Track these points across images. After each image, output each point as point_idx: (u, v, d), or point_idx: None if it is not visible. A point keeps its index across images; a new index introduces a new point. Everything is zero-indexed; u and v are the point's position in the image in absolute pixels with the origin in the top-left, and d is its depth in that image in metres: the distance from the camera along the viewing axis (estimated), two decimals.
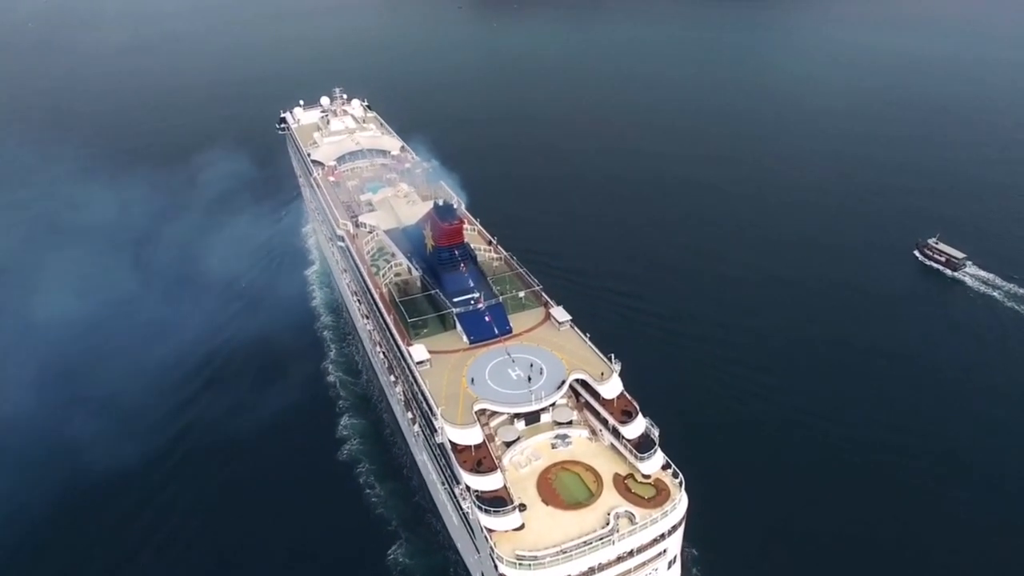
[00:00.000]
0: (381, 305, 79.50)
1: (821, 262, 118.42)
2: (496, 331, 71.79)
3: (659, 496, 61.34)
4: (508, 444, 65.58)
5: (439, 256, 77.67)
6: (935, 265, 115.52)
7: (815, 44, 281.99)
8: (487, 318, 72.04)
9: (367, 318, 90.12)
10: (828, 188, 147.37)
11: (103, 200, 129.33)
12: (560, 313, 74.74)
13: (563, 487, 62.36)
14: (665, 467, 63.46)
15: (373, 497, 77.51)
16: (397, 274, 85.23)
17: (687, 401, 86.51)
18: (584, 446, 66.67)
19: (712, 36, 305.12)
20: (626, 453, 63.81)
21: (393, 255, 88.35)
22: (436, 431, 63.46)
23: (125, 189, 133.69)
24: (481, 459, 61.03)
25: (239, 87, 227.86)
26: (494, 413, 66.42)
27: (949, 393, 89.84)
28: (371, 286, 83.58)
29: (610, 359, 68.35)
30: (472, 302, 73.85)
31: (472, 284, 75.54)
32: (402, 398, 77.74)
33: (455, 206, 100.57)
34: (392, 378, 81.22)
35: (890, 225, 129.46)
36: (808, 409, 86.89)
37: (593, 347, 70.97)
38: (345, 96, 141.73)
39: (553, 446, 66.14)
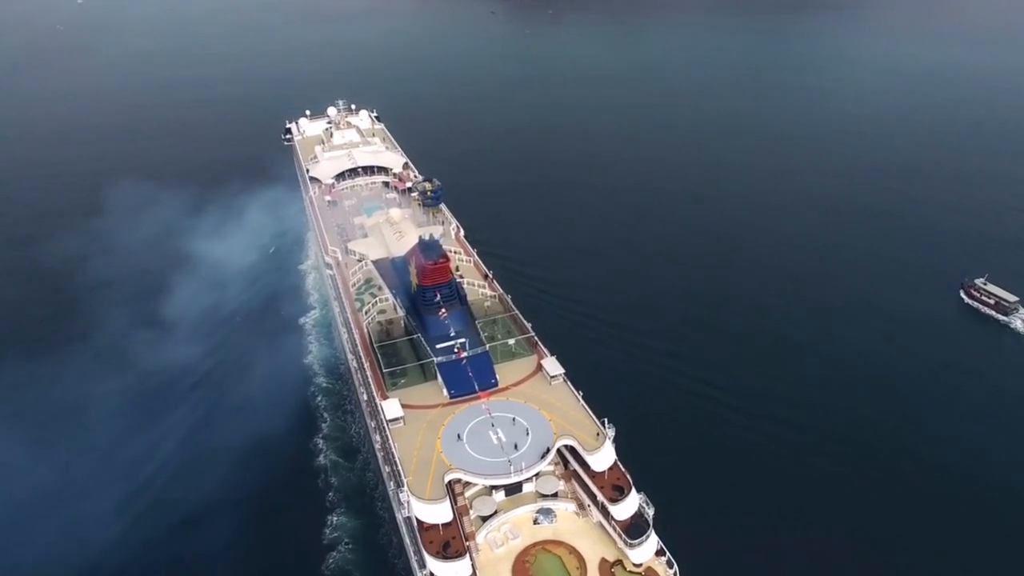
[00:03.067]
0: (360, 348, 72.92)
1: (855, 302, 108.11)
2: (477, 387, 64.65)
3: None
4: (484, 518, 58.41)
5: (423, 296, 70.65)
6: (983, 308, 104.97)
7: (861, 57, 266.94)
8: (469, 372, 64.86)
9: (352, 355, 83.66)
10: (865, 217, 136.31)
11: None
12: (553, 365, 67.31)
13: (542, 573, 54.98)
14: (659, 553, 55.92)
15: None
16: (381, 311, 78.39)
17: (691, 468, 76.31)
18: (570, 522, 59.35)
19: (753, 46, 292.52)
20: (615, 536, 56.21)
21: (380, 289, 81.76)
22: (402, 504, 56.52)
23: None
24: (450, 540, 54.04)
25: (260, 92, 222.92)
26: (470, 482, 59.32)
27: (999, 453, 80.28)
28: (352, 324, 77.07)
29: (604, 423, 60.81)
30: (455, 350, 66.86)
31: (456, 331, 68.38)
32: (381, 451, 71.03)
33: (453, 233, 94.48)
34: (373, 424, 74.62)
35: (933, 261, 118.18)
36: (834, 472, 77.26)
37: (586, 407, 63.53)
38: (353, 107, 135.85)
39: (535, 521, 59.01)
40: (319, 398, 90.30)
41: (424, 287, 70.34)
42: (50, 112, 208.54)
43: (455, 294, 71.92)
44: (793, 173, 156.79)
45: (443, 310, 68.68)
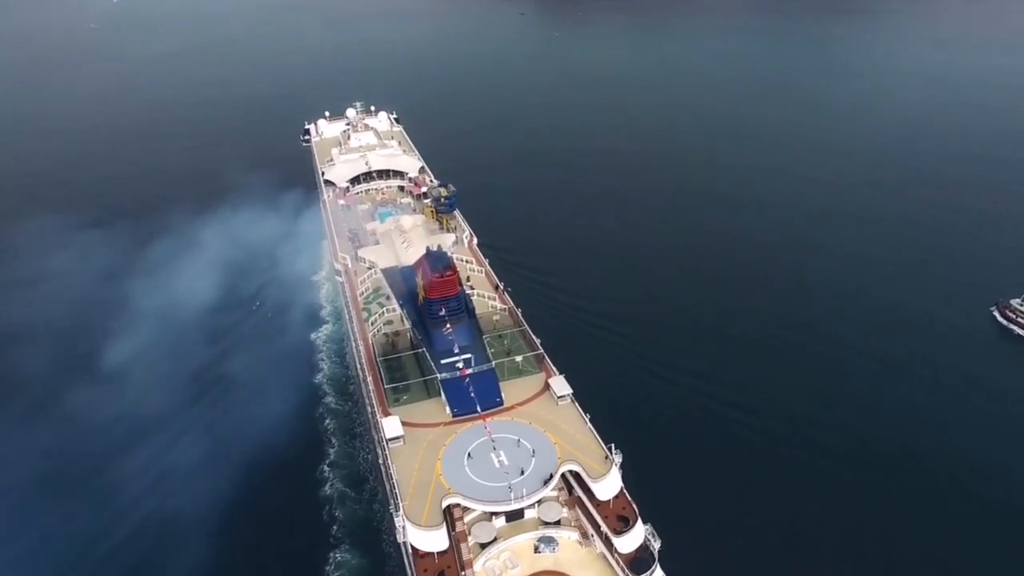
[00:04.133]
0: (365, 362, 71.03)
1: (885, 316, 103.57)
2: (479, 407, 62.26)
3: None
4: (483, 546, 56.06)
5: (429, 309, 68.55)
6: (1017, 329, 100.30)
7: (901, 64, 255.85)
8: (471, 392, 62.52)
9: (359, 367, 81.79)
10: (897, 227, 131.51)
11: None
12: (560, 385, 64.79)
13: None
14: None
15: None
16: (388, 322, 76.45)
17: (702, 499, 71.32)
18: (572, 551, 56.87)
19: (789, 50, 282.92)
20: (618, 570, 53.62)
21: (388, 299, 79.76)
22: (397, 529, 54.42)
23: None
24: (444, 569, 51.93)
25: (284, 92, 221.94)
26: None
27: None
28: (358, 335, 75.24)
29: (611, 448, 58.15)
30: (460, 366, 64.68)
31: (461, 346, 66.10)
32: (383, 466, 69.05)
33: (466, 241, 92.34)
34: (377, 437, 72.67)
35: (966, 279, 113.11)
36: (862, 503, 72.60)
37: (593, 430, 60.95)
38: (373, 108, 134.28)
39: (536, 549, 56.56)
40: (327, 420, 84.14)
41: (430, 300, 68.24)
42: (73, 111, 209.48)
43: (462, 307, 69.73)
44: (825, 181, 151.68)
45: (448, 325, 66.45)
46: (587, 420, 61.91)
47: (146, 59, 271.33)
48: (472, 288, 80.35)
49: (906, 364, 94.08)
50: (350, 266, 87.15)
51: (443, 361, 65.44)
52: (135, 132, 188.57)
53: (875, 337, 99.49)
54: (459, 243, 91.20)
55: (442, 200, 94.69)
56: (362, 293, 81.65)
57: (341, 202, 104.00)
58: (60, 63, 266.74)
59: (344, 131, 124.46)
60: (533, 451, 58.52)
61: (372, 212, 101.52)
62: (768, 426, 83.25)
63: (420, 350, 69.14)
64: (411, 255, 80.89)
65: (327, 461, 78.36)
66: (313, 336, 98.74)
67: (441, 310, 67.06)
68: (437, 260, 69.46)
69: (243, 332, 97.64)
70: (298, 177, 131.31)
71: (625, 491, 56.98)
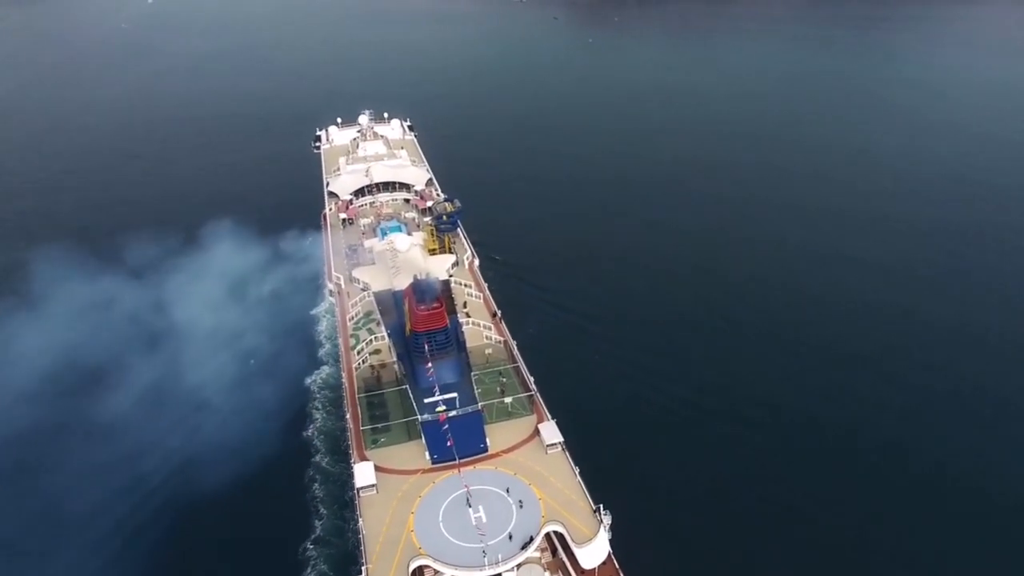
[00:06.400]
0: (346, 396, 66.50)
1: (955, 359, 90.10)
2: (463, 453, 57.15)
3: None
4: None
5: (415, 341, 64.02)
6: None
7: (978, 76, 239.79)
8: (451, 436, 57.49)
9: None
10: (956, 264, 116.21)
11: None
12: (550, 432, 59.57)
13: None
14: None
15: None
16: (375, 351, 71.74)
17: (703, 571, 62.01)
18: None
19: (843, 58, 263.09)
20: None
21: (378, 325, 75.04)
22: None
23: None
24: None
25: (308, 94, 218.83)
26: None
27: None
28: (343, 366, 70.82)
29: (599, 509, 52.78)
30: (443, 408, 59.83)
31: (446, 385, 61.46)
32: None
33: (467, 262, 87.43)
34: None
35: None
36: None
37: (582, 485, 55.64)
38: (386, 115, 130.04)
39: None
40: (316, 485, 69.85)
41: (416, 332, 63.63)
42: (88, 113, 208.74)
43: (451, 342, 65.10)
44: (897, 194, 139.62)
45: (429, 364, 61.62)
46: (577, 473, 56.66)
47: (171, 57, 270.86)
48: (468, 316, 75.52)
49: (973, 428, 79.85)
50: (343, 287, 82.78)
51: (426, 400, 60.83)
52: (143, 137, 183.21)
53: (934, 396, 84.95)
54: (459, 265, 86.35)
55: (444, 218, 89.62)
56: (352, 318, 77.08)
57: (343, 215, 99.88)
58: (82, 64, 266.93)
59: (354, 139, 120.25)
60: (515, 507, 53.29)
61: (374, 227, 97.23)
62: (792, 488, 70.06)
63: (405, 386, 64.57)
64: (403, 279, 76.15)
65: (312, 537, 64.95)
66: (308, 381, 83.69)
67: (425, 347, 62.35)
68: (423, 291, 64.82)
69: (223, 377, 79.31)
70: (309, 188, 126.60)
71: (613, 558, 51.73)
